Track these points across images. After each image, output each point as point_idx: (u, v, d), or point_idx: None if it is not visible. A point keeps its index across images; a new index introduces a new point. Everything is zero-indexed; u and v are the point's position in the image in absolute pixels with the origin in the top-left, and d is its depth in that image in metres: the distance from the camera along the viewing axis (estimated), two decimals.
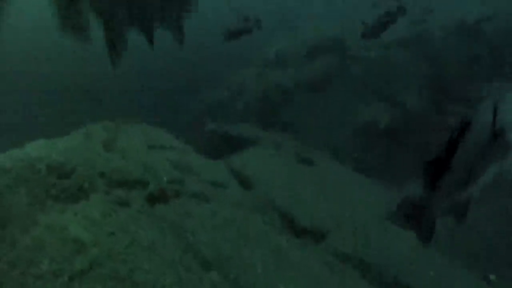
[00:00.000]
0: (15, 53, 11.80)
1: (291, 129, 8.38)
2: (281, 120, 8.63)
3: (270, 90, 9.10)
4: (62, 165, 5.02)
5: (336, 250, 5.17)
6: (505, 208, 6.38)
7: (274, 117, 8.69)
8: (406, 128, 7.90)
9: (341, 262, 5.00)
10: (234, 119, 8.69)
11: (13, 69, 11.21)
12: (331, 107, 8.68)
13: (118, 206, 4.59)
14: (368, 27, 7.56)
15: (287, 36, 10.29)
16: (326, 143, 8.11)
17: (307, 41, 9.85)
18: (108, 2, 5.67)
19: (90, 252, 3.82)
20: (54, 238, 4.00)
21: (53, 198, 4.66)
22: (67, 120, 8.01)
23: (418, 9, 9.77)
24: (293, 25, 10.79)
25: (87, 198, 4.65)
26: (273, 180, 6.26)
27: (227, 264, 4.22)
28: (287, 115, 8.74)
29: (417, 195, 6.35)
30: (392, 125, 7.97)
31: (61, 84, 10.33)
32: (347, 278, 4.78)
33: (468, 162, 4.60)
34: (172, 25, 6.23)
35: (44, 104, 9.96)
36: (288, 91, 8.96)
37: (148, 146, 6.14)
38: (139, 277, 3.71)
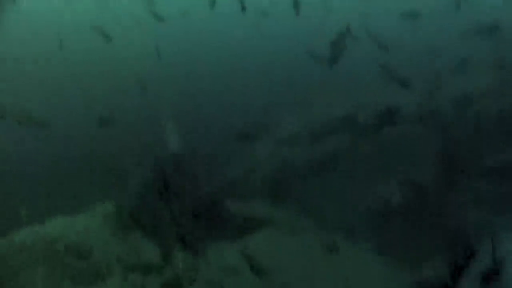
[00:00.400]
0: None
1: (304, 209, 8.41)
2: (293, 200, 8.69)
3: (282, 169, 9.24)
4: (80, 246, 5.10)
5: None
6: None
7: (286, 196, 8.76)
8: (420, 206, 7.92)
9: None
10: (246, 198, 8.75)
11: None
12: (344, 186, 8.75)
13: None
14: None
15: (299, 112, 10.58)
16: (339, 223, 8.10)
17: (319, 118, 10.13)
18: None
19: None
20: None
21: (70, 279, 4.70)
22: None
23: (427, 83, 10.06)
24: (305, 101, 11.11)
25: (104, 281, 4.69)
26: (286, 266, 6.24)
27: None
28: (299, 195, 8.81)
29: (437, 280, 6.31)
30: (405, 203, 7.99)
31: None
32: None
33: None
34: None
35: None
36: (301, 170, 9.10)
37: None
38: None
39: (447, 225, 7.62)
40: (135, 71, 12.46)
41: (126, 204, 6.22)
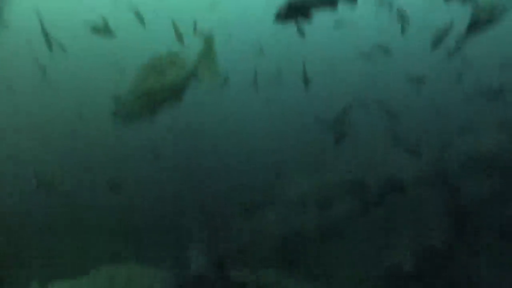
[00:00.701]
0: None
1: (314, 276, 8.28)
2: (303, 267, 8.57)
3: (291, 236, 9.20)
4: None
5: None
6: None
7: (295, 263, 8.66)
8: (432, 269, 7.73)
9: None
10: (254, 265, 8.67)
11: None
12: (354, 252, 8.63)
13: None
14: None
15: (307, 177, 10.67)
16: None
17: (328, 184, 10.18)
18: None
19: None
20: None
21: None
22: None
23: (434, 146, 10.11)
24: (314, 166, 11.24)
25: None
26: None
27: None
28: (309, 262, 8.70)
29: None
30: (417, 267, 7.81)
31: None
32: None
33: None
34: None
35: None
36: (310, 237, 9.04)
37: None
38: None
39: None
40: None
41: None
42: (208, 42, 4.12)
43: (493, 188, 9.38)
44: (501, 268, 7.35)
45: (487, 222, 8.46)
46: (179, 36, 5.91)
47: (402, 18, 9.37)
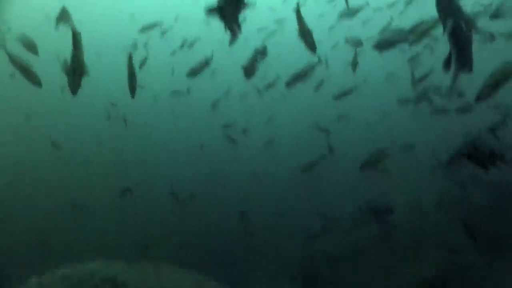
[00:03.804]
0: None
1: None
2: (325, 286, 8.66)
3: (315, 257, 9.39)
4: (115, 278, 5.44)
5: None
6: None
7: (319, 283, 8.77)
8: (454, 282, 7.71)
9: None
10: (278, 284, 8.83)
11: None
12: (375, 272, 8.68)
13: None
14: None
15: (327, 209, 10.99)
16: None
17: (349, 210, 10.46)
18: None
19: None
20: None
21: None
22: None
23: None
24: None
25: None
26: None
27: None
28: (331, 281, 8.78)
29: None
30: (439, 282, 7.81)
31: None
32: None
33: None
34: None
35: None
36: (333, 258, 9.20)
37: (196, 284, 6.43)
38: None
39: None
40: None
41: None
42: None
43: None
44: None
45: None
46: None
47: None
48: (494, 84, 5.27)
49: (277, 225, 12.27)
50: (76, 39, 4.52)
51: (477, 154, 5.15)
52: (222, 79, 19.37)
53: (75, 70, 4.59)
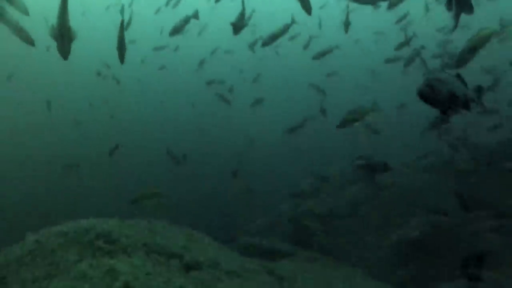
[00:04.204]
0: None
1: (325, 250, 8.62)
2: (315, 242, 8.92)
3: (305, 217, 9.62)
4: (110, 233, 5.56)
5: None
6: None
7: (308, 239, 9.02)
8: (438, 241, 8.01)
9: None
10: (269, 241, 9.07)
11: None
12: (364, 230, 8.97)
13: (157, 263, 4.98)
14: None
15: (318, 169, 11.18)
16: (360, 262, 8.23)
17: (338, 173, 10.68)
18: None
19: (126, 279, 4.15)
20: (96, 271, 4.39)
21: (100, 255, 5.11)
22: None
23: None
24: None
25: (130, 256, 5.07)
26: (306, 277, 6.40)
27: None
28: (321, 238, 9.04)
29: None
30: (425, 240, 8.11)
31: None
32: None
33: None
34: None
35: None
36: (323, 217, 9.44)
37: (189, 239, 6.57)
38: None
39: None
40: None
41: None
42: None
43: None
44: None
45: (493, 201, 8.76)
46: None
47: None
48: (471, 50, 5.55)
49: (269, 183, 12.50)
50: (63, 4, 4.49)
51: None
52: (210, 38, 19.15)
53: (63, 36, 4.61)
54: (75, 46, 4.80)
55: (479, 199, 8.81)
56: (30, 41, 5.33)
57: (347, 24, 8.63)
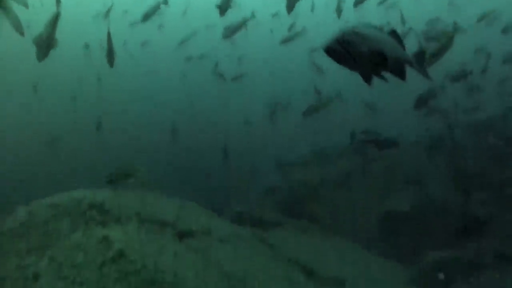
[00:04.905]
0: None
1: (315, 220, 8.74)
2: (305, 212, 9.03)
3: (295, 186, 9.72)
4: (102, 204, 5.58)
5: None
6: None
7: (298, 209, 9.13)
8: (428, 213, 8.17)
9: None
10: (261, 211, 9.15)
11: None
12: (355, 200, 9.10)
13: (151, 232, 5.03)
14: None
15: (310, 142, 11.27)
16: (350, 231, 8.37)
17: (329, 144, 10.79)
18: None
19: (120, 247, 4.20)
20: (90, 240, 4.44)
21: (93, 225, 5.15)
22: None
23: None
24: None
25: (123, 226, 5.12)
26: (296, 245, 6.52)
27: (245, 276, 4.45)
28: (311, 208, 9.16)
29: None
30: (414, 211, 8.27)
31: None
32: None
33: None
34: None
35: None
36: (312, 186, 9.54)
37: (181, 208, 6.63)
38: (163, 266, 4.03)
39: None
40: None
41: None
42: None
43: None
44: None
45: (485, 177, 8.91)
46: None
47: None
48: (437, 52, 5.73)
49: (260, 155, 12.57)
50: (55, 19, 4.95)
51: None
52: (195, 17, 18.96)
53: (49, 46, 5.09)
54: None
55: (470, 173, 8.98)
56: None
57: (339, 10, 8.62)
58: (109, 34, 5.69)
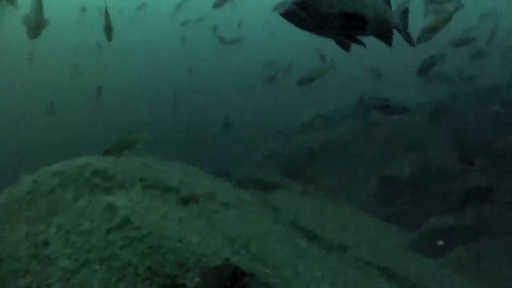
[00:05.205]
0: None
1: (316, 183, 8.83)
2: (306, 176, 9.12)
3: (296, 150, 9.77)
4: (106, 170, 5.61)
5: (358, 257, 5.33)
6: None
7: (299, 173, 9.22)
8: (428, 178, 8.22)
9: (365, 264, 5.15)
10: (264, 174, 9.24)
11: None
12: (355, 164, 9.17)
13: (155, 198, 5.08)
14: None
15: (312, 107, 11.24)
16: (350, 196, 8.48)
17: (331, 110, 10.77)
18: None
19: (125, 214, 4.25)
20: (95, 208, 4.49)
21: (97, 192, 5.20)
22: None
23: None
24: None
25: (128, 191, 5.17)
26: (298, 209, 6.59)
27: (249, 241, 4.52)
28: (312, 172, 9.25)
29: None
30: (414, 177, 8.33)
31: None
32: (372, 276, 4.91)
33: None
34: None
35: None
36: (313, 150, 9.58)
37: (184, 173, 6.67)
38: (168, 232, 4.09)
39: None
40: None
41: None
42: None
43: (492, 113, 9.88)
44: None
45: (486, 145, 8.90)
46: None
47: None
48: (432, 29, 5.78)
49: (261, 121, 12.57)
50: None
51: None
52: None
53: (38, 26, 5.29)
54: None
55: (472, 141, 8.96)
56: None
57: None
58: (106, 11, 6.08)
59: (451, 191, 7.84)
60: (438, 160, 8.84)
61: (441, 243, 6.30)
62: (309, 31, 2.61)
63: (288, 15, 2.50)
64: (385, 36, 2.92)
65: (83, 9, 16.10)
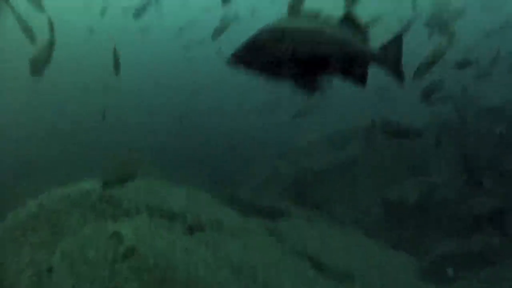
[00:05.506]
0: None
1: (322, 208, 8.75)
2: (311, 200, 9.04)
3: (301, 172, 9.69)
4: (112, 196, 5.58)
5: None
6: None
7: (304, 197, 9.13)
8: (435, 202, 8.13)
9: None
10: (269, 197, 9.15)
11: None
12: (361, 187, 9.08)
13: (160, 226, 5.03)
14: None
15: (317, 127, 11.18)
16: (356, 221, 8.39)
17: (337, 130, 10.71)
18: None
19: (131, 242, 4.20)
20: (101, 235, 4.44)
21: (103, 218, 5.15)
22: None
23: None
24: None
25: (134, 219, 5.12)
26: (304, 237, 6.53)
27: (256, 272, 4.45)
28: (317, 195, 9.16)
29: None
30: (421, 201, 8.23)
31: None
32: None
33: None
34: None
35: None
36: (319, 173, 9.50)
37: (189, 198, 6.62)
38: (175, 263, 4.03)
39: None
40: None
41: None
42: None
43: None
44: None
45: (494, 166, 8.82)
46: None
47: None
48: (429, 63, 5.94)
49: (266, 142, 12.53)
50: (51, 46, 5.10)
51: None
52: None
53: (43, 66, 5.21)
54: None
55: (480, 163, 8.89)
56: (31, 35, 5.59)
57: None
58: (115, 49, 6.31)
59: (458, 215, 7.74)
60: (446, 182, 8.74)
61: (450, 272, 6.20)
62: (264, 76, 2.36)
63: (235, 61, 2.27)
64: (357, 74, 2.45)
65: (91, 30, 16.25)
